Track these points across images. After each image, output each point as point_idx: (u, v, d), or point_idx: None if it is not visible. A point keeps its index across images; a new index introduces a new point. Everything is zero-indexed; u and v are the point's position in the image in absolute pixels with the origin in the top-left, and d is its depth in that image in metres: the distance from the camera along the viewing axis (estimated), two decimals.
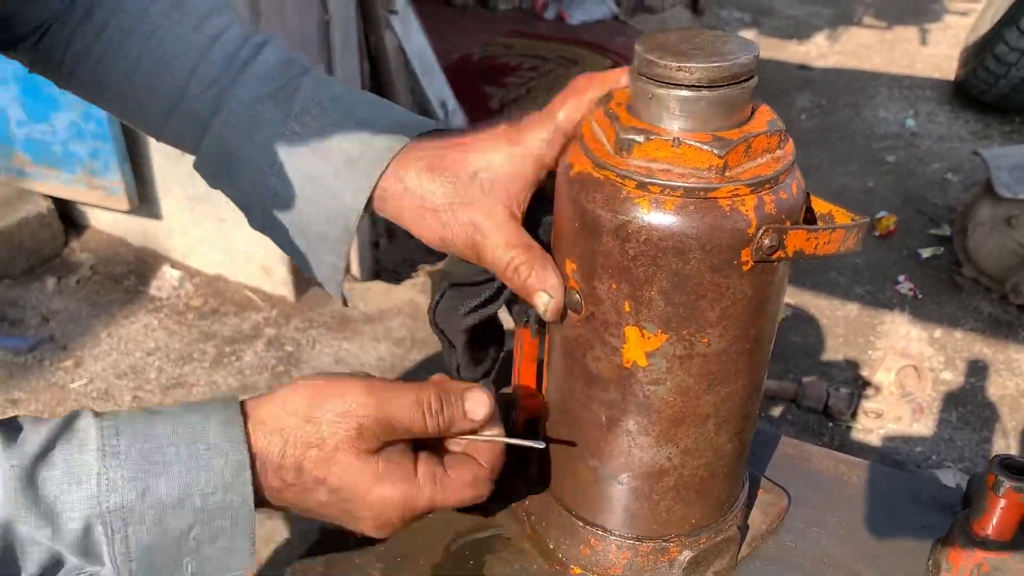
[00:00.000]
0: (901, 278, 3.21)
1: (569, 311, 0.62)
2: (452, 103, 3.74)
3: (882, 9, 6.00)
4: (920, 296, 3.13)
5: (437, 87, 3.65)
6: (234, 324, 2.81)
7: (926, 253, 3.35)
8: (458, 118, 3.81)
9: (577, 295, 0.61)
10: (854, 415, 2.57)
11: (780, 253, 0.56)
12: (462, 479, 0.62)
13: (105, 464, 0.54)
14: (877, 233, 3.46)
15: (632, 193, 0.55)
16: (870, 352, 2.86)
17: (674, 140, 0.54)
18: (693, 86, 0.54)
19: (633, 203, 0.55)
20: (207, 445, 0.56)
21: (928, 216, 3.60)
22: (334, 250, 0.69)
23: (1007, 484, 0.63)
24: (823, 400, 2.58)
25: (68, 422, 0.56)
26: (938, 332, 2.95)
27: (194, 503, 0.56)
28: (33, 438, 0.54)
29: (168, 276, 2.99)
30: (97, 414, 0.57)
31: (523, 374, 0.76)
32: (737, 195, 0.55)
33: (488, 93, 4.40)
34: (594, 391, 0.63)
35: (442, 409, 0.61)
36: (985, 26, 4.28)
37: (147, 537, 0.55)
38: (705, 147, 0.54)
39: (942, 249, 3.36)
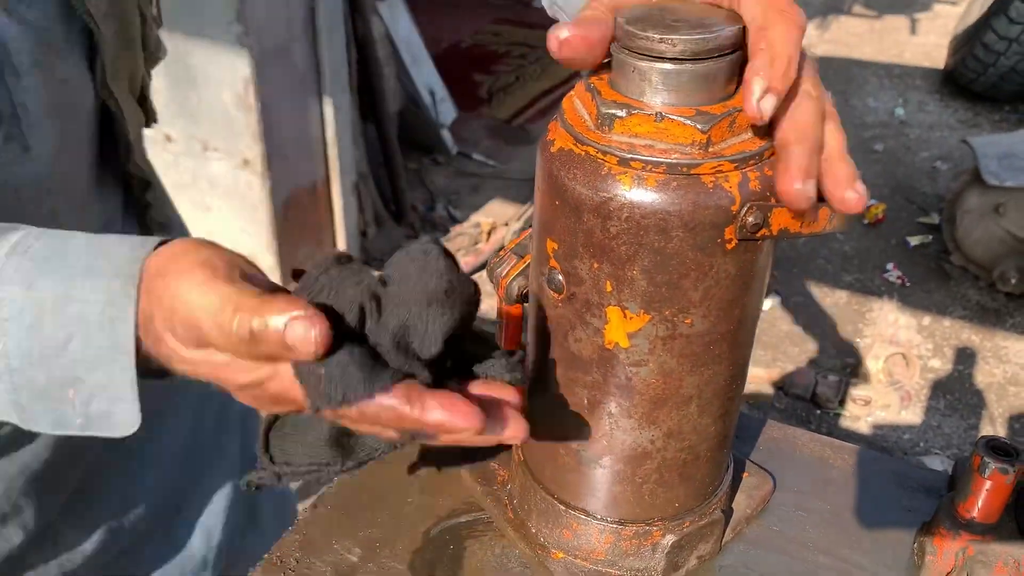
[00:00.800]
0: (890, 266, 3.22)
1: (550, 291, 0.61)
2: (440, 90, 3.72)
3: None
4: (908, 284, 3.13)
5: (425, 74, 3.63)
6: None
7: (915, 241, 3.35)
8: (447, 105, 3.79)
9: (559, 275, 0.59)
10: (842, 402, 2.58)
11: (765, 231, 0.55)
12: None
13: (8, 259, 0.52)
14: (866, 221, 3.46)
15: (613, 169, 0.54)
16: (858, 340, 2.86)
17: (656, 115, 0.53)
18: (676, 59, 0.53)
19: (615, 180, 0.54)
20: (107, 258, 0.52)
21: (917, 204, 3.60)
22: None
23: (993, 465, 0.62)
24: (811, 387, 2.58)
25: (7, 227, 0.55)
26: (926, 320, 2.96)
27: (72, 310, 0.51)
28: None
29: None
30: (40, 230, 0.55)
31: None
32: (720, 171, 0.53)
33: (477, 81, 4.38)
34: (575, 373, 0.62)
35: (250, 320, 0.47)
36: (974, 15, 4.28)
37: (26, 340, 0.51)
38: (688, 122, 0.53)
39: (931, 237, 3.36)
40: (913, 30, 5.56)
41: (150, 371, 0.54)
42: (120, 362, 0.52)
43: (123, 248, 0.53)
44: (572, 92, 0.59)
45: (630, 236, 0.54)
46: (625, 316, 0.57)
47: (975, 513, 0.65)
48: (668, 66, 0.53)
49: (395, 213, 3.34)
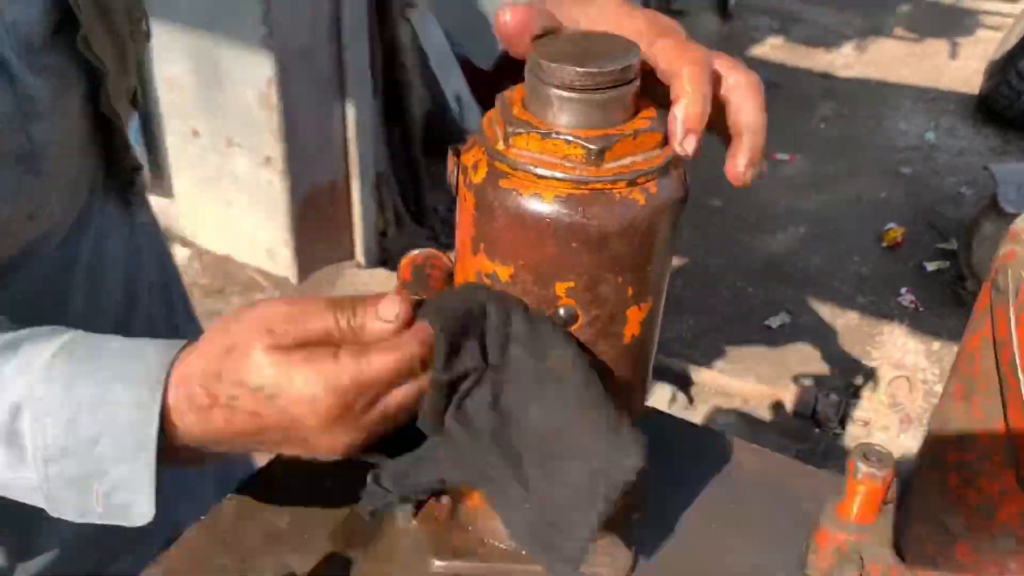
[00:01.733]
0: (904, 290, 3.21)
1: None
2: (467, 97, 3.78)
3: (915, 21, 5.94)
4: (922, 309, 3.12)
5: (453, 82, 3.70)
6: (239, 303, 2.87)
7: (931, 266, 3.34)
8: (472, 113, 3.85)
9: (573, 309, 0.62)
10: (841, 422, 2.58)
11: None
12: (385, 345, 0.58)
13: (54, 360, 0.59)
14: (884, 244, 3.46)
15: (627, 192, 0.58)
16: (865, 361, 2.86)
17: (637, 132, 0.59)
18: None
19: (629, 201, 0.58)
20: (140, 361, 0.59)
21: (938, 230, 3.58)
22: None
23: (863, 470, 0.66)
24: (811, 405, 2.59)
25: (55, 330, 0.62)
26: (936, 345, 2.95)
27: (105, 411, 0.58)
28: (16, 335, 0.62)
29: (177, 254, 3.07)
30: (83, 334, 0.62)
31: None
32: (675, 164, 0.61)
33: (506, 88, 4.43)
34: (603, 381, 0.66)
35: (354, 311, 0.59)
36: (1012, 41, 4.24)
37: (62, 435, 0.58)
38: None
39: (948, 263, 3.34)
40: (953, 54, 5.51)
41: (179, 460, 0.62)
42: (142, 459, 0.59)
43: (152, 352, 0.60)
44: (517, 143, 0.59)
45: (646, 240, 0.59)
46: (639, 308, 0.63)
47: (852, 515, 0.68)
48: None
49: (415, 214, 3.41)
